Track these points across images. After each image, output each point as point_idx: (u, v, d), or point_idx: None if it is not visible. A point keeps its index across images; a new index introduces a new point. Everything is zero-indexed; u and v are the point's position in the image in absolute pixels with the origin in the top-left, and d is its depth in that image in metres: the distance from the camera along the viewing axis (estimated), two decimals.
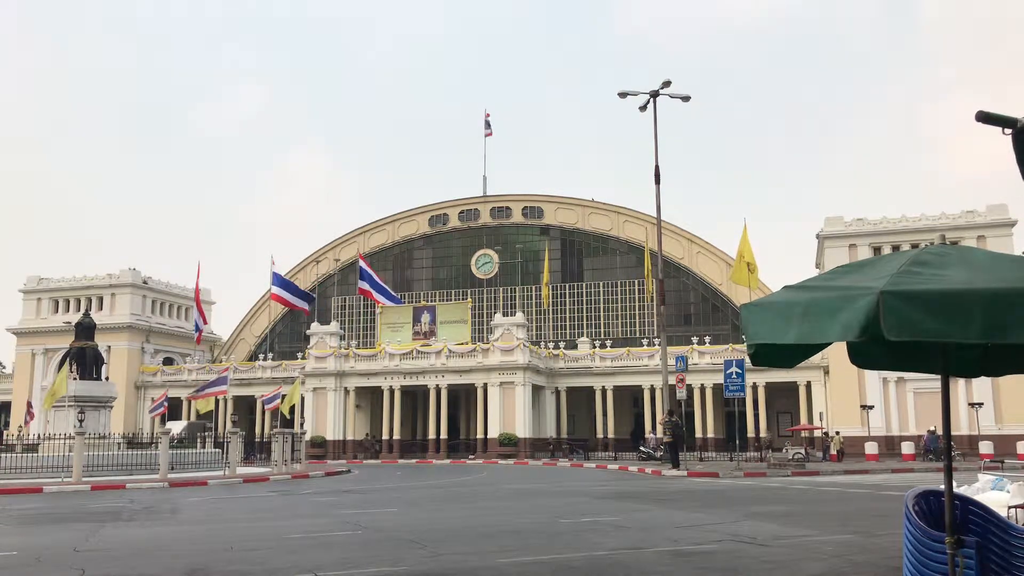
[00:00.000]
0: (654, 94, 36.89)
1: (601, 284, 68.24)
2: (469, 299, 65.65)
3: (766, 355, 5.36)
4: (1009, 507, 10.12)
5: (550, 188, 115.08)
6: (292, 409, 50.43)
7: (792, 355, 5.60)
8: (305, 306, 53.24)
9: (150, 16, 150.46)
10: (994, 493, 10.80)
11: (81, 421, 29.65)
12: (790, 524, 13.48)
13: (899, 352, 5.67)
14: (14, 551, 11.15)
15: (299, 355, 63.69)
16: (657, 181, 37.72)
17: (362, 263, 56.21)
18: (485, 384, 53.74)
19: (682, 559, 9.80)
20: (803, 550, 10.51)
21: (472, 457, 52.32)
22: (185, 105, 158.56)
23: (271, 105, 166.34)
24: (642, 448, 45.16)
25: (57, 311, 70.22)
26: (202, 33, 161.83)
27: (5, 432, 52.38)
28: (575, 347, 62.43)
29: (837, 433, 46.05)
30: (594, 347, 60.88)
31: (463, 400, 60.39)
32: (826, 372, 53.84)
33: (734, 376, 33.24)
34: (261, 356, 68.03)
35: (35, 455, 30.56)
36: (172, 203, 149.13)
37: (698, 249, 66.45)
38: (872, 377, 50.61)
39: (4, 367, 77.51)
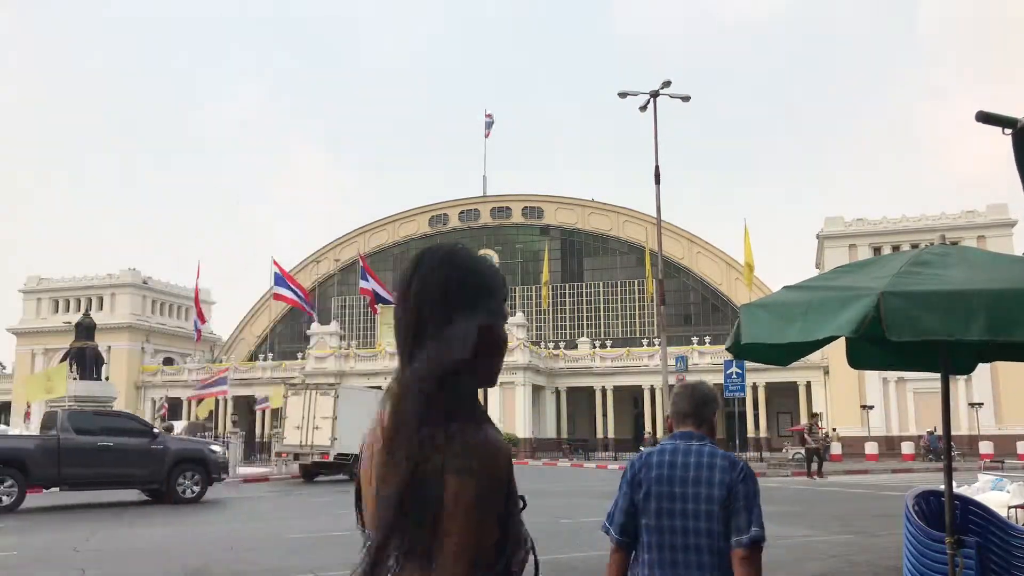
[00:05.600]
0: (654, 94, 36.81)
1: (601, 284, 68.19)
2: None
3: (755, 350, 5.21)
4: (1009, 507, 10.12)
5: (550, 188, 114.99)
6: None
7: (785, 352, 5.46)
8: (309, 308, 52.68)
9: (151, 16, 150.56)
10: (994, 493, 10.80)
11: None
12: (790, 524, 13.47)
13: (897, 352, 5.66)
14: (14, 551, 11.14)
15: (299, 355, 63.61)
16: (657, 181, 37.65)
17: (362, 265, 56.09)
18: None
19: None
20: (803, 550, 10.51)
21: None
22: (185, 105, 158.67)
23: (271, 105, 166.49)
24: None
25: (57, 311, 70.16)
26: (202, 33, 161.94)
27: None
28: (575, 347, 62.37)
29: (834, 430, 46.10)
30: (594, 347, 60.82)
31: None
32: (826, 372, 53.80)
33: (734, 376, 33.22)
34: (261, 356, 67.98)
35: None
36: (172, 203, 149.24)
37: (698, 249, 66.40)
38: (872, 377, 50.57)
39: (4, 367, 77.46)
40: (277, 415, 58.49)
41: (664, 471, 2.84)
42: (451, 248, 1.46)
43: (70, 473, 17.49)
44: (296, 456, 27.46)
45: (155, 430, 19.79)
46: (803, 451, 31.90)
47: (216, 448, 21.46)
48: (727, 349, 5.27)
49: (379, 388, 38.21)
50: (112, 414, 21.58)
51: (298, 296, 50.75)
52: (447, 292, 1.40)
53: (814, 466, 29.31)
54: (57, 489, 18.41)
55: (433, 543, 1.29)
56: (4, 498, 16.55)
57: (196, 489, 19.10)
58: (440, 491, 1.28)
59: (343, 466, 26.38)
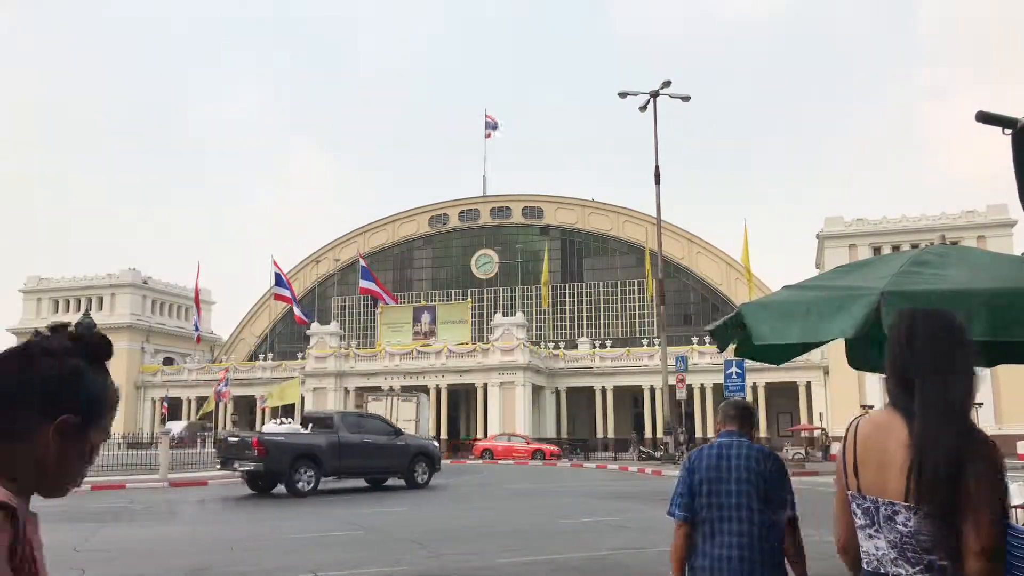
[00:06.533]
0: (654, 94, 36.86)
1: (601, 284, 68.16)
2: (469, 299, 65.59)
3: (754, 349, 5.20)
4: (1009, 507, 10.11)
5: (550, 188, 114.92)
6: (293, 409, 50.46)
7: (784, 353, 5.47)
8: (304, 318, 53.15)
9: (151, 16, 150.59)
10: None
11: None
12: None
13: None
14: None
15: (299, 355, 63.62)
16: (657, 181, 37.70)
17: (363, 264, 56.15)
18: (485, 384, 53.66)
19: None
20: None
21: (472, 457, 52.28)
22: (185, 105, 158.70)
23: (271, 105, 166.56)
24: (641, 448, 45.16)
25: (57, 311, 70.15)
26: (202, 33, 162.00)
27: None
28: (575, 347, 62.34)
29: (823, 432, 46.84)
30: (594, 347, 60.78)
31: (463, 400, 60.35)
32: (826, 372, 53.80)
33: (734, 376, 33.23)
34: (261, 356, 67.99)
35: None
36: (172, 203, 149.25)
37: (698, 249, 66.38)
38: (872, 377, 50.46)
39: None
40: (276, 414, 58.56)
41: (714, 461, 3.78)
42: (951, 314, 2.33)
43: (347, 464, 21.14)
44: None
45: (399, 429, 23.20)
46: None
47: (436, 443, 24.96)
48: (719, 347, 5.23)
49: (419, 392, 40.25)
50: (366, 415, 24.25)
51: (296, 303, 50.99)
52: (953, 343, 2.26)
53: None
54: (335, 478, 21.60)
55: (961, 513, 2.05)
56: (304, 484, 20.00)
57: (425, 477, 22.64)
58: (974, 474, 2.08)
59: None
